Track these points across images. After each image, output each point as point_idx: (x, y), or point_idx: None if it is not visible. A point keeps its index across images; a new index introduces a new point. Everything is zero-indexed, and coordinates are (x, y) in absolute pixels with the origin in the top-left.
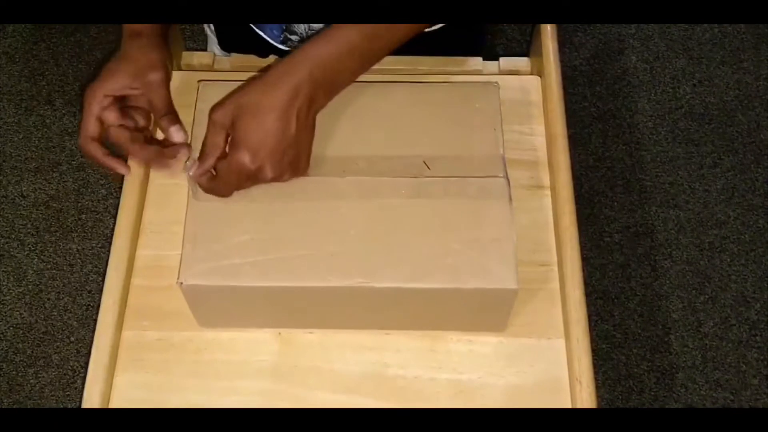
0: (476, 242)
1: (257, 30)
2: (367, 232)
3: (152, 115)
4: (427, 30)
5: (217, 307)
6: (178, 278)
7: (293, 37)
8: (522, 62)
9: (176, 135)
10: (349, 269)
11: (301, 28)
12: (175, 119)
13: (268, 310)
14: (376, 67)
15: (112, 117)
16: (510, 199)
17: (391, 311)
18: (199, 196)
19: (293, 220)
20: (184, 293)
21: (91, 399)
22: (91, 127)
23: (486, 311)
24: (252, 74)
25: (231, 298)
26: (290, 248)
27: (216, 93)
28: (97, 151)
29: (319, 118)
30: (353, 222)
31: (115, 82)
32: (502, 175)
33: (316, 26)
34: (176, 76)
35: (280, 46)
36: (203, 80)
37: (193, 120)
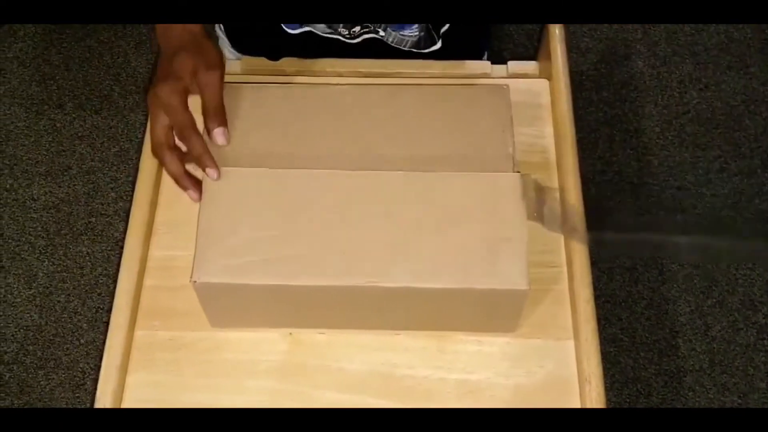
0: (487, 240)
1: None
2: (377, 229)
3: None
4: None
5: (229, 306)
6: (191, 277)
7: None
8: (530, 66)
9: (219, 137)
10: (359, 268)
11: None
12: (222, 120)
13: (279, 309)
14: (384, 70)
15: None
16: (522, 195)
17: (401, 311)
18: (210, 195)
19: (305, 218)
20: (196, 292)
21: (104, 399)
22: (160, 135)
23: (496, 312)
24: (262, 77)
25: (243, 297)
26: (302, 246)
27: (228, 95)
28: (173, 162)
29: (328, 119)
30: (364, 218)
31: (177, 83)
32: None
33: None
34: None
35: (294, 32)
36: None
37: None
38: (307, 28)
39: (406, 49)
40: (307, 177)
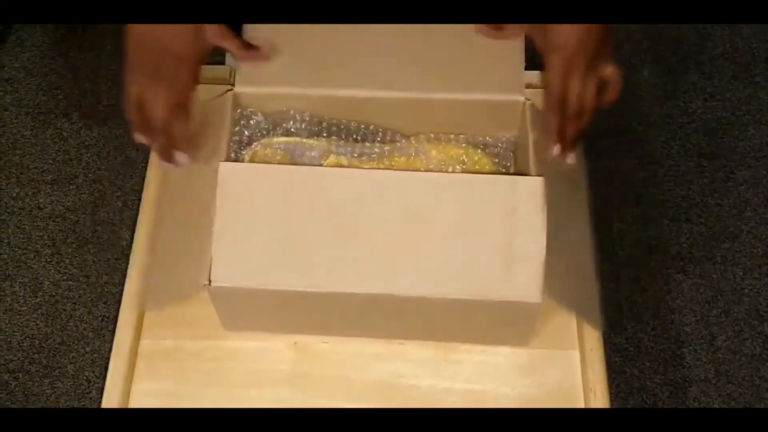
0: (504, 249)
1: None
2: (392, 235)
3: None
4: None
5: (242, 309)
6: (206, 279)
7: None
8: (535, 75)
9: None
10: (372, 276)
11: None
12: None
13: (290, 314)
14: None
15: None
16: (544, 203)
17: (412, 320)
18: (225, 197)
19: (319, 221)
20: (211, 295)
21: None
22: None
23: (508, 324)
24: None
25: (257, 301)
26: (316, 252)
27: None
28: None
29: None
30: (379, 222)
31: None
32: (535, 173)
33: None
34: None
35: None
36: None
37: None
38: None
39: None
40: (322, 175)
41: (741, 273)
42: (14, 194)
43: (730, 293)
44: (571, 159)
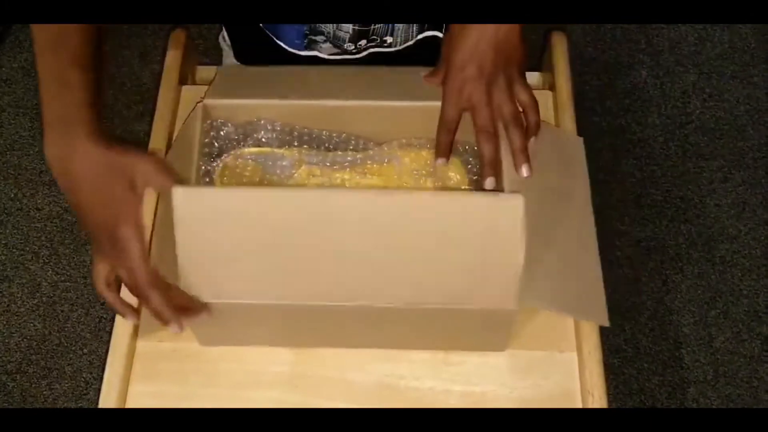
0: (482, 259)
1: (275, 39)
2: (368, 247)
3: None
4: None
5: (216, 324)
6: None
7: (318, 38)
8: (533, 77)
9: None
10: (348, 288)
11: (329, 27)
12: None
13: (267, 328)
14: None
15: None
16: (523, 217)
17: (391, 330)
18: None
19: (293, 233)
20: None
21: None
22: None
23: (487, 331)
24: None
25: (231, 316)
26: (290, 264)
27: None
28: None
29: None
30: (356, 234)
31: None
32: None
33: (345, 26)
34: (190, 90)
35: (299, 53)
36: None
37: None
38: (312, 53)
39: (411, 42)
40: (274, 197)
41: (739, 274)
42: (12, 195)
43: (729, 294)
44: (525, 171)
